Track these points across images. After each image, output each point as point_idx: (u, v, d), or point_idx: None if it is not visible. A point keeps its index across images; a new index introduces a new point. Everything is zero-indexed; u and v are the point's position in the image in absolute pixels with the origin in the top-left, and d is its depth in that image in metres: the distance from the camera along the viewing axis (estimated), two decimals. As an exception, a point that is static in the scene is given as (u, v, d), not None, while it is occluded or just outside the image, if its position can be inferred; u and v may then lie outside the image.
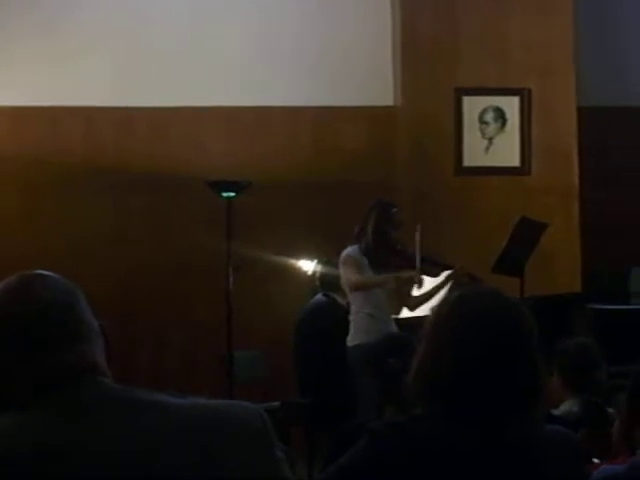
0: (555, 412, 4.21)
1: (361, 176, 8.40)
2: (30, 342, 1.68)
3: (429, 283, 6.77)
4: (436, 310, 2.30)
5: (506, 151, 8.51)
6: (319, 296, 7.25)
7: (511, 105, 8.51)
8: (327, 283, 7.16)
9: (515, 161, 8.53)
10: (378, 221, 6.54)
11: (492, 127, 8.51)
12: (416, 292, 6.79)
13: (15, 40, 8.56)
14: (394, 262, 6.59)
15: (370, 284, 6.54)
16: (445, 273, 6.70)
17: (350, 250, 6.59)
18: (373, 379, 4.15)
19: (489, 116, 8.51)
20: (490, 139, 8.51)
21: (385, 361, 4.02)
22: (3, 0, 8.62)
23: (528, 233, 7.11)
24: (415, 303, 6.69)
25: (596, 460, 3.18)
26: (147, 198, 8.56)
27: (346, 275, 6.58)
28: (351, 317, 6.63)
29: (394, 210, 6.60)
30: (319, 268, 7.40)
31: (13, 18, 8.59)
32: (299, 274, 8.16)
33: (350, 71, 8.73)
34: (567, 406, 4.23)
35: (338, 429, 4.43)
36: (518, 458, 2.17)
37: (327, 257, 7.25)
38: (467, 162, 8.48)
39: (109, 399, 1.67)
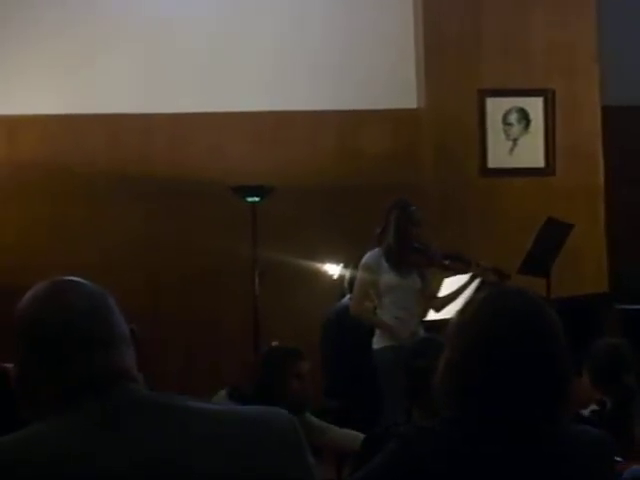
0: (584, 412, 4.20)
1: (385, 179, 8.40)
2: (62, 349, 1.69)
3: (454, 283, 6.76)
4: (462, 310, 2.29)
5: (530, 152, 8.49)
6: (346, 299, 7.26)
7: (535, 106, 8.49)
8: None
9: (539, 162, 8.51)
10: (398, 221, 6.54)
11: (516, 128, 8.49)
12: (442, 293, 6.79)
13: (37, 49, 8.61)
14: (416, 260, 6.58)
15: (364, 319, 6.61)
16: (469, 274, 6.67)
17: (369, 256, 6.59)
18: (402, 381, 4.14)
19: (513, 117, 8.49)
20: (514, 140, 8.49)
21: (415, 363, 4.01)
22: (28, 6, 8.65)
23: (554, 234, 7.10)
24: (441, 304, 6.67)
25: (619, 458, 3.16)
26: (172, 204, 8.58)
27: (356, 290, 6.63)
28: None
29: (413, 208, 6.60)
30: (347, 272, 7.41)
31: (35, 25, 8.64)
32: (325, 278, 8.16)
33: (373, 74, 8.72)
34: (596, 407, 4.22)
35: (366, 433, 4.43)
36: (548, 459, 2.16)
37: (353, 260, 7.26)
38: (491, 163, 8.47)
39: (140, 405, 1.67)
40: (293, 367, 4.66)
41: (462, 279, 6.68)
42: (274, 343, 5.87)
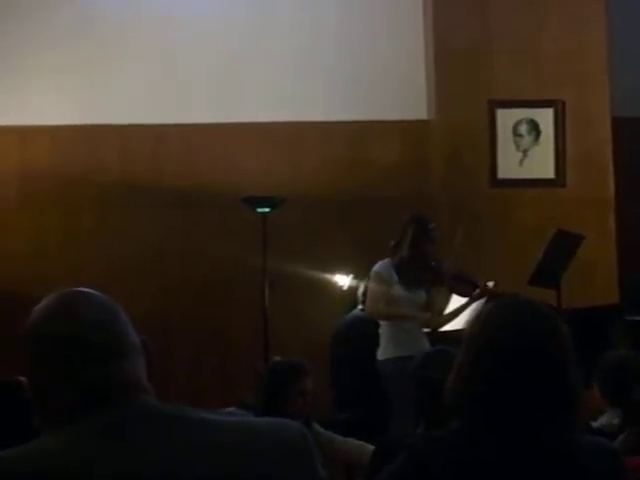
0: (594, 424, 4.19)
1: (396, 190, 8.40)
2: (72, 361, 1.69)
3: (455, 302, 6.78)
4: (473, 320, 2.31)
5: (541, 163, 8.48)
6: (356, 310, 7.26)
7: (545, 117, 8.48)
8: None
9: (550, 173, 8.50)
10: (415, 236, 6.54)
11: (526, 139, 8.49)
12: (449, 309, 6.80)
13: (49, 59, 8.64)
14: (426, 278, 6.59)
15: (384, 314, 6.57)
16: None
17: (379, 266, 6.60)
18: (411, 391, 4.14)
19: (523, 128, 8.49)
20: (524, 151, 8.48)
21: (424, 374, 4.02)
22: (42, 15, 8.69)
23: (564, 245, 7.09)
24: (439, 323, 6.69)
25: None
26: (183, 214, 8.60)
27: (370, 295, 6.61)
28: (382, 330, 6.63)
29: (431, 225, 6.60)
30: (361, 283, 7.40)
31: (48, 34, 8.67)
32: (334, 289, 8.16)
33: (384, 85, 8.73)
34: (606, 418, 4.21)
35: (375, 444, 4.43)
36: (557, 468, 2.16)
37: (364, 272, 7.26)
38: (502, 174, 8.46)
39: (151, 417, 1.67)
40: (296, 384, 4.66)
41: (462, 299, 6.71)
42: (277, 358, 5.86)
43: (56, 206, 8.59)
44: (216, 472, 1.64)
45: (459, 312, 6.61)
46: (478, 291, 6.61)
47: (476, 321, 2.30)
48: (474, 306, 6.55)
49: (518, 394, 2.16)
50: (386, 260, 6.61)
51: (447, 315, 6.71)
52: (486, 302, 6.30)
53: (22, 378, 1.77)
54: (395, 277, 6.55)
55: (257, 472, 1.66)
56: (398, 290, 6.54)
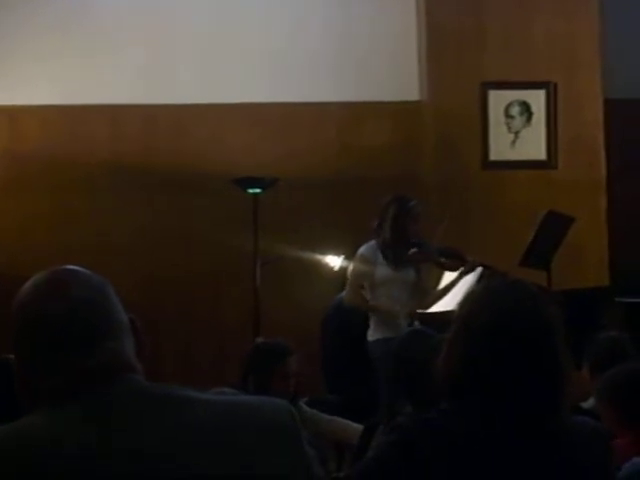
0: (584, 405, 4.20)
1: (387, 172, 8.39)
2: (62, 341, 1.68)
3: (446, 280, 6.77)
4: (463, 301, 2.31)
5: (532, 145, 8.48)
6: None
7: (537, 99, 8.47)
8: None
9: (541, 155, 8.50)
10: (396, 215, 6.54)
11: (518, 121, 8.48)
12: (441, 286, 6.79)
13: (39, 39, 8.60)
14: (412, 256, 6.58)
15: (359, 307, 6.61)
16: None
17: (365, 247, 6.61)
18: (397, 375, 4.16)
19: (515, 110, 8.48)
20: (516, 133, 8.48)
21: (402, 354, 4.03)
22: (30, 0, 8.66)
23: (555, 227, 7.09)
24: (430, 301, 6.68)
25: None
26: (173, 195, 8.58)
27: (350, 281, 6.63)
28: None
29: (412, 203, 6.59)
30: (347, 264, 7.41)
31: (37, 15, 8.63)
32: (326, 270, 8.16)
33: (375, 66, 8.71)
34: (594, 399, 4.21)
35: (365, 424, 4.44)
36: (546, 448, 2.16)
37: (355, 253, 7.26)
38: (493, 156, 8.46)
39: (140, 396, 1.67)
40: (279, 367, 4.66)
41: (451, 275, 6.70)
42: (259, 339, 5.86)
43: (44, 187, 8.56)
44: (204, 451, 1.63)
45: (450, 288, 6.60)
46: (466, 265, 6.58)
47: (466, 302, 2.30)
48: (465, 282, 6.53)
49: (507, 375, 2.17)
50: (372, 242, 6.61)
51: (438, 292, 6.69)
52: (478, 281, 6.30)
53: (10, 356, 1.75)
54: (380, 258, 6.54)
55: (244, 450, 1.66)
56: (385, 271, 6.54)
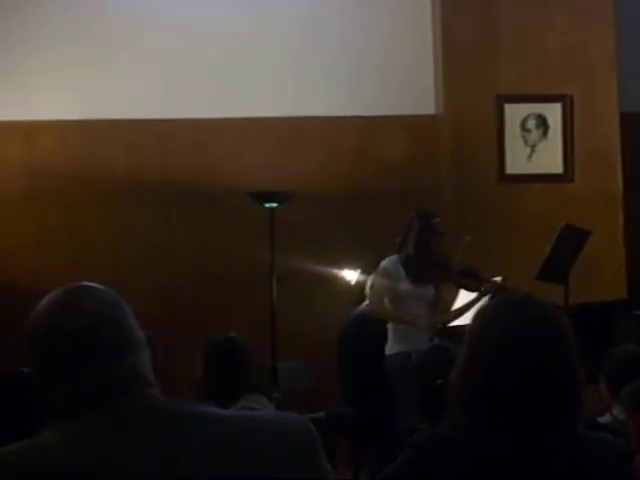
0: (601, 420, 4.18)
1: (403, 185, 8.39)
2: (78, 356, 1.69)
3: (463, 298, 6.77)
4: (476, 318, 2.30)
5: (549, 158, 8.46)
6: (363, 305, 7.25)
7: (553, 112, 8.46)
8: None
9: (558, 168, 8.48)
10: (420, 232, 6.56)
11: (534, 134, 8.47)
12: (457, 304, 6.80)
13: (55, 54, 8.64)
14: (433, 274, 6.60)
15: (385, 316, 6.61)
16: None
17: (387, 261, 6.63)
18: (413, 386, 4.15)
19: (531, 123, 8.47)
20: (532, 146, 8.47)
21: (425, 369, 4.02)
22: (45, 11, 8.69)
23: (572, 240, 7.08)
24: (451, 317, 6.69)
25: None
26: (190, 210, 8.59)
27: (374, 291, 6.62)
28: (389, 325, 6.65)
29: (436, 220, 6.61)
30: (369, 278, 7.40)
31: (53, 29, 8.66)
32: (342, 284, 8.15)
33: (391, 80, 8.72)
34: (613, 414, 4.20)
35: (381, 439, 4.42)
36: (562, 466, 2.15)
37: (371, 267, 7.25)
38: (510, 170, 8.45)
39: (156, 411, 1.67)
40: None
41: (471, 295, 6.70)
42: (233, 333, 5.81)
43: (61, 202, 8.59)
44: (221, 467, 1.63)
45: (467, 308, 6.61)
46: (486, 287, 6.59)
47: (478, 317, 2.30)
48: (482, 302, 6.53)
49: (520, 391, 2.16)
50: (394, 257, 6.64)
51: (454, 312, 6.71)
52: (491, 298, 6.29)
53: (24, 369, 1.76)
54: (403, 273, 6.56)
55: (262, 467, 1.66)
56: (406, 286, 6.55)
